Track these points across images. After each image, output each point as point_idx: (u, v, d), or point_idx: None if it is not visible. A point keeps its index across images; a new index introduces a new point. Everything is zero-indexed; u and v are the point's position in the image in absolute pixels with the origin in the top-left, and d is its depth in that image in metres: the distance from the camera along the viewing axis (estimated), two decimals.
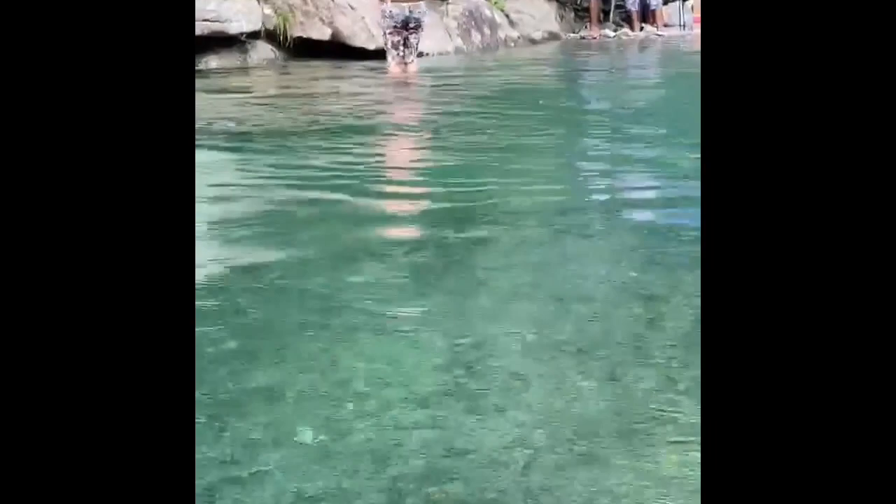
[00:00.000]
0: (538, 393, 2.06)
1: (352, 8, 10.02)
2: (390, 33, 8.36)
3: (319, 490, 1.69)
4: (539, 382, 2.11)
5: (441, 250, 3.12)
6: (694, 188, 3.55)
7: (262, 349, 2.28)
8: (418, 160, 5.02)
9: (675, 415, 1.96)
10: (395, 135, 5.82)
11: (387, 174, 4.74)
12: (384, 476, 1.74)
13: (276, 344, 2.32)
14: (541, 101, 6.94)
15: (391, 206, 3.86)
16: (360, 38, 9.85)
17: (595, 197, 4.11)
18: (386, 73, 8.47)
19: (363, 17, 9.74)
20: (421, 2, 8.37)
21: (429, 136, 5.62)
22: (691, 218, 3.32)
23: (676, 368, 2.17)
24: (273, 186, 4.12)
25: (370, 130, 5.81)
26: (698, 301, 2.28)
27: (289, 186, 4.13)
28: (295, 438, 1.87)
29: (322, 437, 1.87)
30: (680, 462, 1.78)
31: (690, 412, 1.93)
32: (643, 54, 12.62)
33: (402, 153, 5.23)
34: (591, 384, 2.10)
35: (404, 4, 8.23)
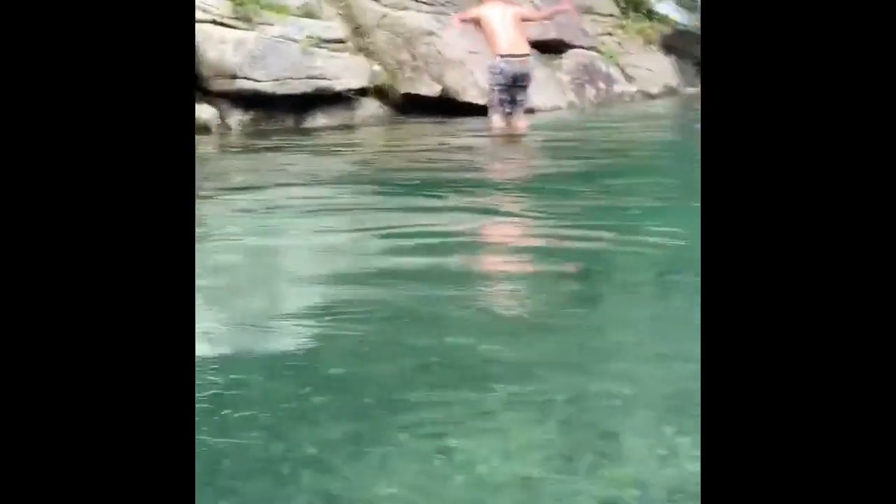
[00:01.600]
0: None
1: (461, 63, 9.75)
2: (499, 90, 7.94)
3: None
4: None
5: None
6: None
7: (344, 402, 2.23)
8: (528, 217, 4.70)
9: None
10: (510, 193, 5.50)
11: (495, 233, 4.42)
12: None
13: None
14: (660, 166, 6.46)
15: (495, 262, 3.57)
16: (470, 94, 9.55)
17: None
18: (493, 130, 8.07)
19: (472, 72, 9.44)
20: (530, 56, 8.00)
21: (536, 194, 5.28)
22: None
23: None
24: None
25: (477, 186, 5.51)
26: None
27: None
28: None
29: None
30: None
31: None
32: None
33: (516, 212, 4.89)
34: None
35: (514, 59, 7.84)
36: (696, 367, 2.35)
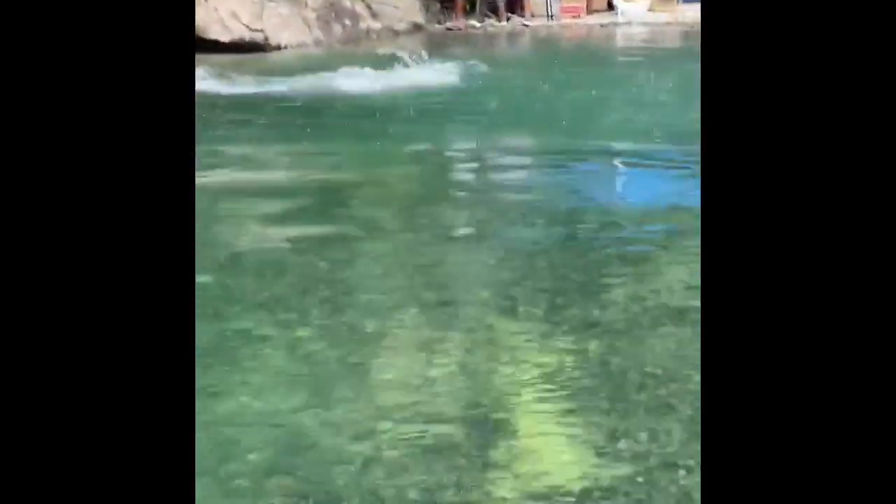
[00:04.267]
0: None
1: (206, 0, 9.68)
2: None
3: None
4: None
5: None
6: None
7: None
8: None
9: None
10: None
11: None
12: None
13: None
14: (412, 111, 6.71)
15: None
16: (214, 31, 9.53)
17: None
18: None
19: (216, 9, 9.42)
20: None
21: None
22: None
23: None
24: None
25: None
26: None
27: None
28: None
29: None
30: None
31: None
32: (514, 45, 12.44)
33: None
34: None
35: None
36: (447, 298, 2.49)
